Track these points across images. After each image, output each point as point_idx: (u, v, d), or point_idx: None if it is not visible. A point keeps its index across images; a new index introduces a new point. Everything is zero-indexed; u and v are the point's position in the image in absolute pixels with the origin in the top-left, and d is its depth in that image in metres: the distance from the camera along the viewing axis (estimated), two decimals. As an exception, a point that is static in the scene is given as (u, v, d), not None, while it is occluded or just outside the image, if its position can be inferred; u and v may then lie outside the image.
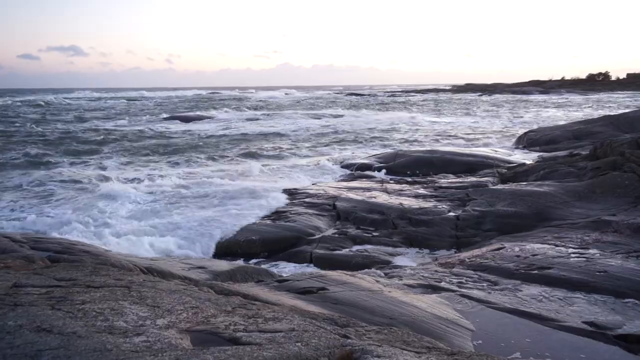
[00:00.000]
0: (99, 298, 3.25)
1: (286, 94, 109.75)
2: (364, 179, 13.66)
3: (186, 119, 38.73)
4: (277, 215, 10.02)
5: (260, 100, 74.77)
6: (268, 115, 43.44)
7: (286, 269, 7.94)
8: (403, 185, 12.36)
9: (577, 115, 37.12)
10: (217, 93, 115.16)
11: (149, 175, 15.41)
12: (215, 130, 30.33)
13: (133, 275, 4.30)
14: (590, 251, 7.12)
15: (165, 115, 42.79)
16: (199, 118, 39.97)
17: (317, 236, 9.04)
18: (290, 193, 11.77)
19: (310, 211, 10.08)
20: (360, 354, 2.66)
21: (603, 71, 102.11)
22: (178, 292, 3.64)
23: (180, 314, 3.10)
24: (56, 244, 5.60)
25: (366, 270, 7.21)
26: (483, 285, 6.20)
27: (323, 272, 6.27)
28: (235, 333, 2.85)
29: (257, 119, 39.56)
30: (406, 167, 14.93)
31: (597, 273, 6.26)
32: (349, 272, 6.50)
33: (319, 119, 38.98)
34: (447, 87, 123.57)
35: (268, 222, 9.63)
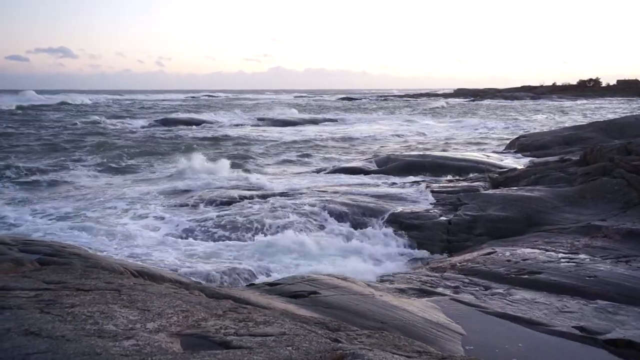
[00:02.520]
0: (88, 301, 3.23)
1: (303, 96, 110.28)
2: (357, 182, 13.67)
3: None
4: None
5: (299, 105, 72.95)
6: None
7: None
8: (395, 188, 12.38)
9: (568, 120, 37.38)
10: (213, 96, 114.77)
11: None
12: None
13: (124, 278, 4.27)
14: (580, 256, 7.17)
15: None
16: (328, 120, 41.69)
17: (308, 240, 9.02)
18: (281, 195, 11.74)
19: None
20: (351, 358, 2.66)
21: (593, 77, 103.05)
22: (168, 295, 3.62)
23: (171, 318, 3.09)
24: (46, 247, 5.55)
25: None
26: (474, 290, 6.22)
27: (314, 275, 6.27)
28: (226, 337, 2.84)
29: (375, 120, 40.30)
30: (398, 170, 14.96)
31: (587, 278, 6.31)
32: (341, 276, 6.50)
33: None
34: (440, 92, 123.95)
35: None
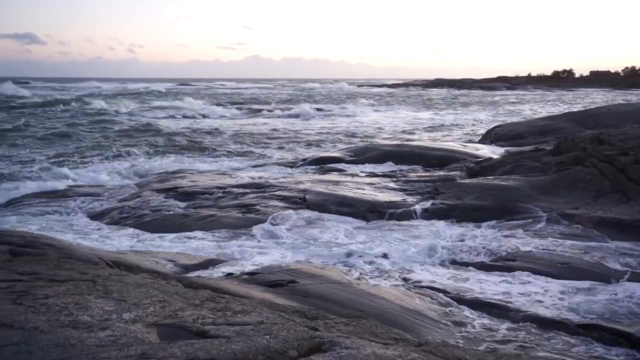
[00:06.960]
0: (62, 292, 3.18)
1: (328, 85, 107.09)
2: (335, 172, 13.69)
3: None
4: (246, 208, 9.96)
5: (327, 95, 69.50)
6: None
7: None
8: (373, 178, 12.43)
9: (543, 110, 37.95)
10: (187, 85, 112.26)
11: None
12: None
13: (99, 269, 4.22)
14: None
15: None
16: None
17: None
18: (260, 186, 11.70)
19: (280, 204, 10.05)
20: (328, 346, 2.68)
21: (567, 68, 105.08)
22: (145, 285, 3.59)
23: (147, 308, 3.06)
24: (18, 238, 5.45)
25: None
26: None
27: (293, 265, 6.29)
28: (204, 326, 2.83)
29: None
30: (376, 160, 15.02)
31: (559, 265, 6.46)
32: (319, 265, 6.52)
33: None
34: (418, 82, 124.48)
35: (238, 214, 9.57)
